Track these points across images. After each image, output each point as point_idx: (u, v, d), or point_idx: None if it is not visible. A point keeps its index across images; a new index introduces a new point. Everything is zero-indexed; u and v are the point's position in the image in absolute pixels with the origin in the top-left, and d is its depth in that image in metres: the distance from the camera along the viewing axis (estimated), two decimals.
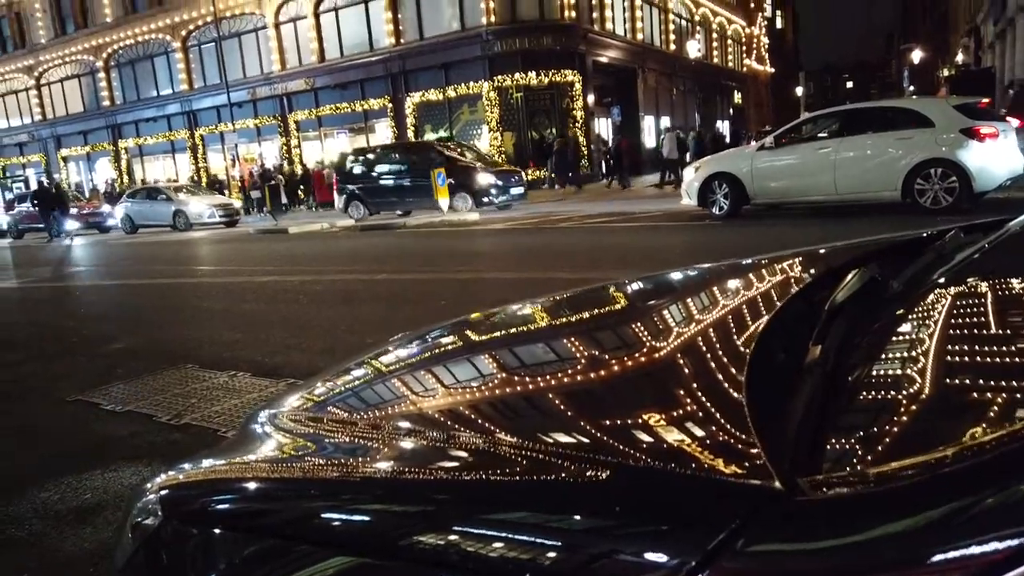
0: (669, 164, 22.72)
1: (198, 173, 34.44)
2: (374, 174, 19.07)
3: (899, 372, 0.77)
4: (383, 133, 29.89)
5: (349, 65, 29.46)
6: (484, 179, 17.59)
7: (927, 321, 0.89)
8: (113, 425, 3.66)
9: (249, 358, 4.79)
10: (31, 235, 25.81)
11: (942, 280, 1.01)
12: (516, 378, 1.08)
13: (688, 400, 0.81)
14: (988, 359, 0.76)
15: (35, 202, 24.21)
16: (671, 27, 37.07)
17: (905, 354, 0.81)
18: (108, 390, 4.27)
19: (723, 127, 42.78)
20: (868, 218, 10.01)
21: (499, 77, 26.53)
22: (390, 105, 28.95)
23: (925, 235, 1.40)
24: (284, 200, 26.82)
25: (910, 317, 0.92)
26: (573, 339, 1.25)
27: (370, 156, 19.92)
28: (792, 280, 1.30)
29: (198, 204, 22.48)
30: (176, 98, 35.09)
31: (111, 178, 37.82)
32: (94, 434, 3.58)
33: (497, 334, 1.46)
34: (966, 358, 0.78)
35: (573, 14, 26.93)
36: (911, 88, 56.37)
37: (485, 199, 17.42)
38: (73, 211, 24.43)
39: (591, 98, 27.80)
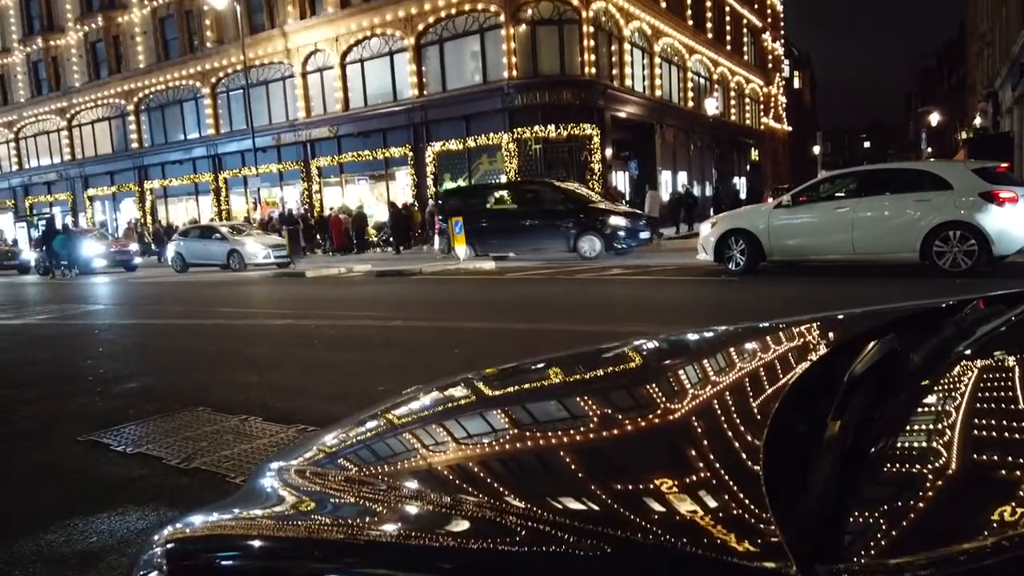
0: (651, 221, 23.19)
1: (220, 215, 34.96)
2: (484, 212, 17.98)
3: (921, 451, 0.76)
4: (403, 181, 30.32)
5: (372, 114, 30.07)
6: (617, 222, 16.61)
7: (949, 398, 0.87)
8: (123, 467, 3.65)
9: (261, 402, 4.79)
10: (59, 272, 25.95)
11: (965, 354, 1.00)
12: (525, 439, 1.07)
13: (701, 470, 0.80)
14: (1015, 438, 0.74)
15: (43, 241, 24.94)
16: (689, 85, 37.63)
17: (926, 432, 0.80)
18: (120, 431, 4.27)
19: (740, 183, 43.07)
20: (886, 279, 9.95)
21: (519, 129, 26.95)
22: (411, 154, 29.43)
23: (945, 305, 1.38)
24: (303, 244, 27.07)
25: (932, 393, 0.90)
26: (584, 400, 1.24)
27: (478, 193, 19.02)
28: (810, 346, 1.29)
29: (254, 244, 21.91)
30: (202, 142, 35.88)
31: (135, 218, 38.48)
32: (103, 476, 3.57)
33: (509, 390, 1.46)
34: (991, 436, 0.77)
35: (593, 70, 27.44)
36: (929, 150, 56.60)
37: (616, 244, 16.46)
38: (102, 249, 24.80)
39: (609, 151, 28.12)
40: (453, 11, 27.53)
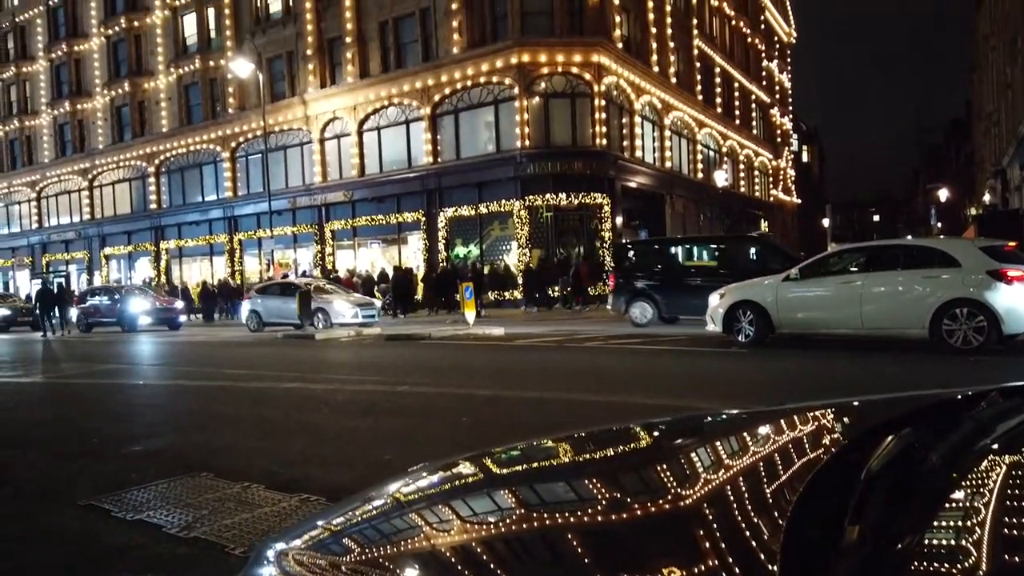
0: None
1: (234, 276, 35.29)
2: (674, 269, 16.18)
3: (943, 561, 0.73)
4: (415, 245, 30.63)
5: (387, 180, 30.60)
6: None
7: (971, 502, 0.85)
8: (121, 534, 3.59)
9: (265, 468, 4.72)
10: (100, 329, 25.29)
11: (985, 453, 0.98)
12: (532, 523, 1.05)
13: (717, 569, 0.78)
14: None
15: (36, 301, 24.92)
16: (699, 157, 38.25)
17: (948, 540, 0.77)
18: (121, 496, 4.21)
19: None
20: (897, 355, 9.87)
21: (530, 197, 27.32)
22: (423, 219, 29.81)
23: (962, 396, 1.36)
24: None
25: (953, 496, 0.88)
26: (594, 484, 1.22)
27: (669, 248, 17.34)
28: (826, 437, 1.27)
29: (342, 303, 20.65)
30: (219, 204, 36.51)
31: (149, 277, 38.90)
32: (101, 542, 3.50)
33: (517, 469, 1.44)
34: (1018, 546, 0.74)
35: (604, 142, 27.97)
36: (939, 225, 56.90)
37: None
38: (147, 306, 24.35)
39: (619, 220, 28.40)
40: (469, 83, 28.30)
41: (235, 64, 29.90)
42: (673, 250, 17.11)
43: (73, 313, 26.34)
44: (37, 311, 24.89)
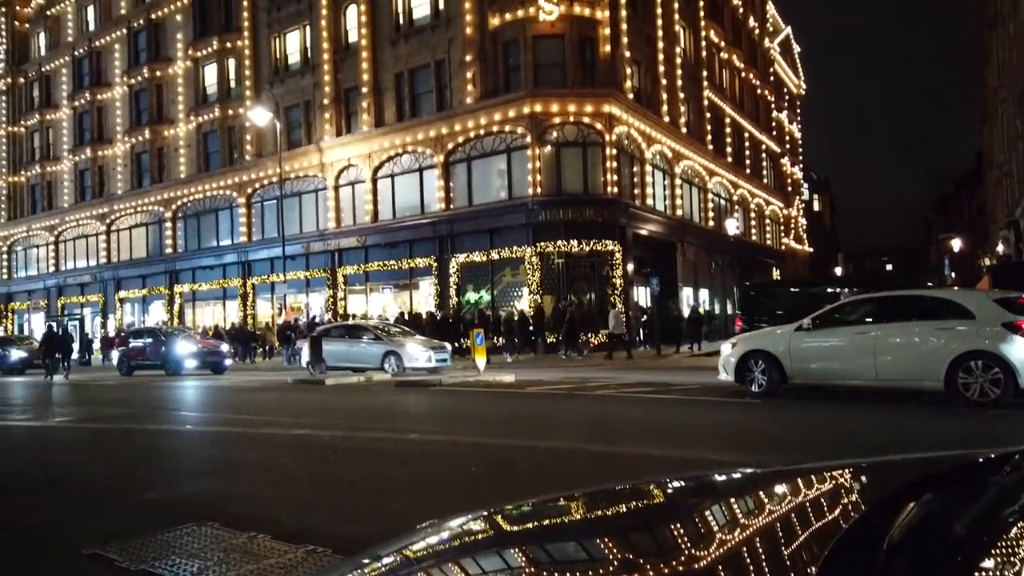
0: (615, 338, 24.12)
1: (246, 320, 35.44)
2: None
3: None
4: (426, 291, 30.73)
5: (400, 226, 30.87)
6: None
7: (1001, 574, 0.82)
8: None
9: (273, 517, 4.66)
10: (141, 372, 24.05)
11: (1013, 523, 0.95)
12: None
13: None
14: None
15: (41, 344, 24.85)
16: (710, 205, 38.43)
17: None
18: (126, 545, 4.16)
19: None
20: (912, 408, 9.73)
21: (542, 243, 27.45)
22: (435, 264, 29.96)
23: (983, 460, 1.33)
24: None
25: (982, 567, 0.85)
26: (606, 544, 1.19)
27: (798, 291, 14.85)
28: (845, 500, 1.24)
29: (415, 346, 19.63)
30: (234, 249, 36.88)
31: (162, 321, 39.10)
32: None
33: (528, 527, 1.41)
34: None
35: (615, 190, 28.18)
36: (953, 275, 56.66)
37: None
38: (192, 349, 23.43)
39: (630, 267, 28.44)
40: (482, 132, 28.72)
41: (253, 113, 30.53)
42: (811, 298, 14.51)
43: (114, 356, 25.66)
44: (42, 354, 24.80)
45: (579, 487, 1.61)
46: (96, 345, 38.69)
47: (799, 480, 1.40)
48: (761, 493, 1.39)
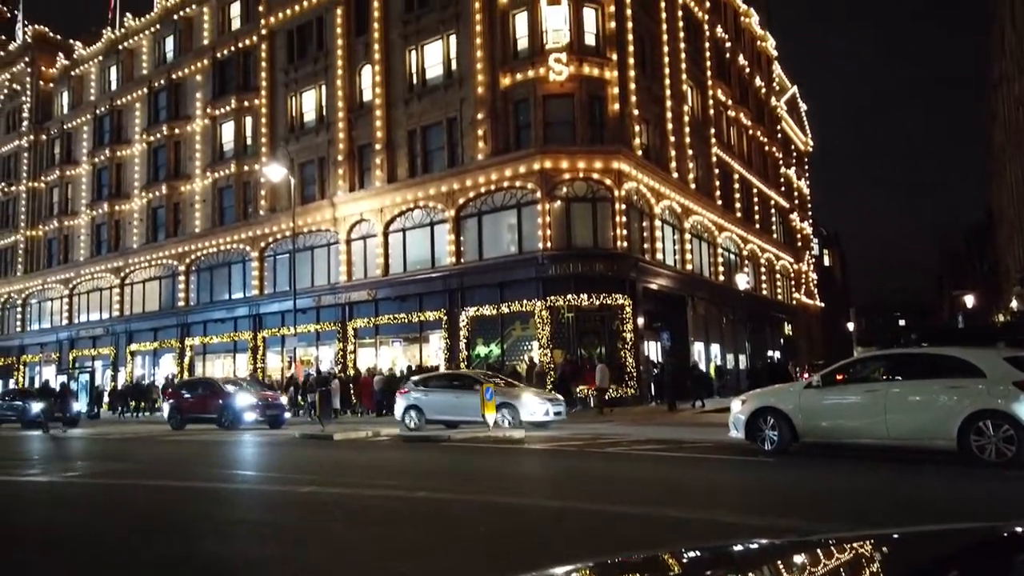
0: (601, 392, 24.45)
1: (256, 372, 35.42)
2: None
3: None
4: (436, 344, 30.70)
5: (410, 280, 31.05)
6: None
7: None
8: None
9: None
10: (193, 426, 22.98)
11: None
12: None
13: None
14: None
15: (39, 397, 24.66)
16: (720, 260, 38.51)
17: None
18: None
19: (776, 357, 42.77)
20: (926, 468, 9.58)
21: (552, 297, 27.49)
22: (445, 318, 30.00)
23: (1008, 534, 1.30)
24: (336, 405, 26.91)
25: None
26: None
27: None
28: (867, 570, 1.22)
29: (532, 398, 18.44)
30: (245, 302, 37.11)
31: (172, 373, 39.15)
32: None
33: None
34: None
35: (625, 244, 28.33)
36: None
37: None
38: (252, 401, 22.08)
39: (641, 321, 28.38)
40: (492, 187, 29.08)
41: (268, 169, 31.10)
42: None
43: (165, 408, 24.86)
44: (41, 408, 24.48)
45: (591, 551, 1.59)
46: (106, 399, 38.72)
47: (819, 551, 1.38)
48: (781, 566, 1.36)
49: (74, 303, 46.79)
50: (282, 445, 16.57)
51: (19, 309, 50.22)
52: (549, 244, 27.68)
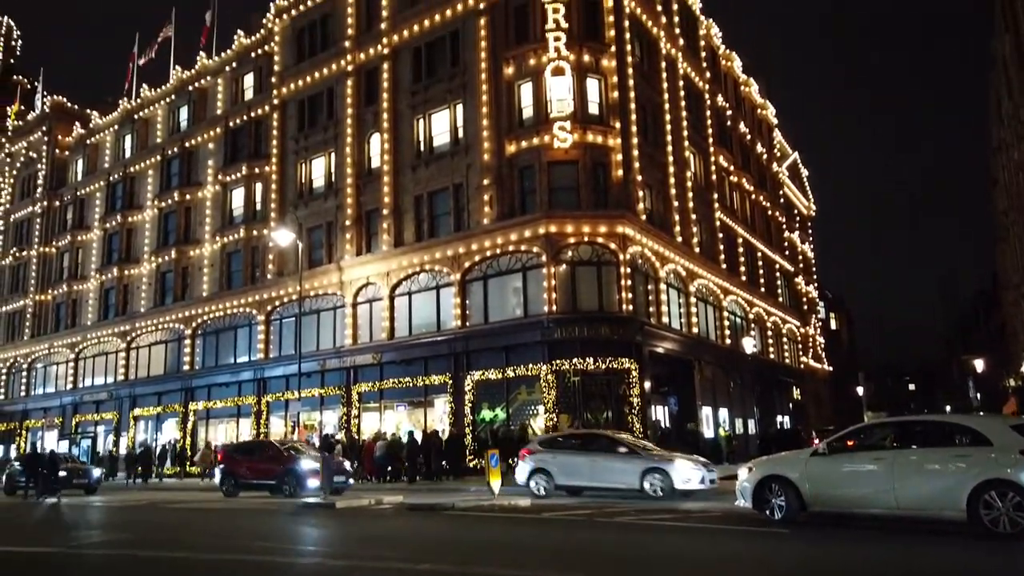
0: None
1: (258, 437, 35.07)
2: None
3: None
4: (441, 408, 30.43)
5: (416, 343, 31.01)
6: None
7: None
8: None
9: None
10: (250, 493, 21.64)
11: None
12: None
13: None
14: None
15: (27, 465, 24.17)
16: (726, 323, 38.42)
17: None
18: None
19: (785, 422, 42.26)
20: (937, 540, 9.37)
21: (557, 361, 27.35)
22: (450, 382, 29.82)
23: None
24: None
25: None
26: None
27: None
28: None
29: (685, 464, 16.77)
30: (250, 366, 37.03)
31: (174, 439, 38.80)
32: None
33: None
34: None
35: (630, 307, 28.34)
36: (977, 396, 55.68)
37: None
38: (315, 465, 19.93)
39: (648, 385, 28.15)
40: (498, 251, 29.32)
41: (277, 234, 31.38)
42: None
43: (216, 473, 23.76)
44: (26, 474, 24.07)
45: None
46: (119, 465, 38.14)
47: None
48: None
49: (79, 367, 46.75)
50: (285, 514, 16.25)
51: (24, 373, 50.19)
52: (554, 307, 27.72)
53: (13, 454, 43.16)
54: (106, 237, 46.72)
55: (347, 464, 22.46)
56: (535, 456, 18.32)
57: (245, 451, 23.65)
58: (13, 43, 67.49)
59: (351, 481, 21.90)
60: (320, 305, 34.85)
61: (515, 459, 25.45)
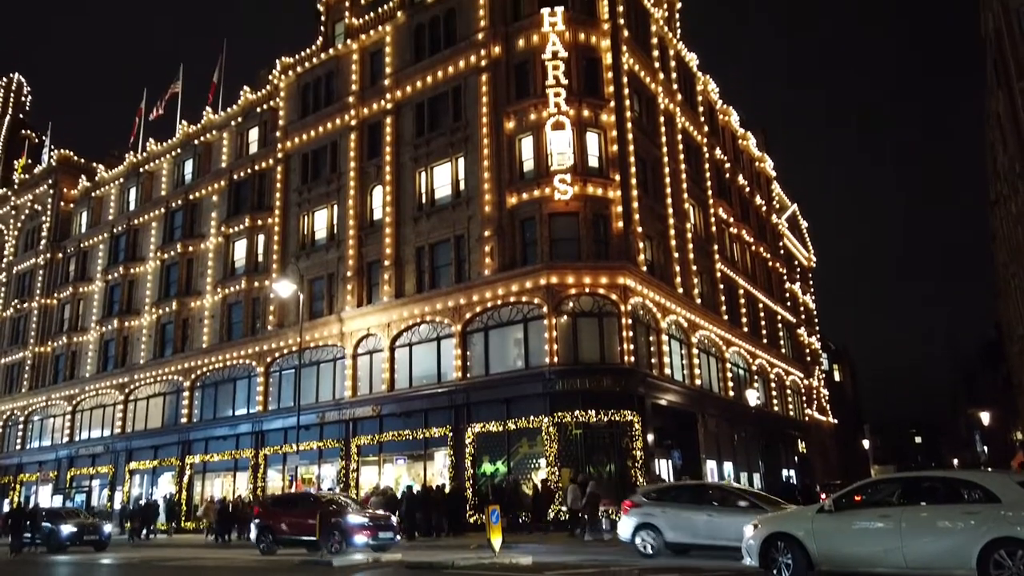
0: (572, 514, 23.47)
1: (255, 492, 34.48)
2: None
3: None
4: (441, 461, 29.95)
5: (416, 395, 30.71)
6: None
7: None
8: None
9: None
10: (289, 550, 20.34)
11: None
12: None
13: None
14: None
15: (9, 519, 24.02)
16: (729, 375, 38.10)
17: None
18: None
19: (791, 475, 41.52)
20: None
21: (559, 413, 27.01)
22: (451, 434, 29.41)
23: None
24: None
25: None
26: None
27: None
28: None
29: None
30: (248, 419, 36.63)
31: (170, 493, 38.13)
32: None
33: None
34: None
35: (632, 359, 28.14)
36: (984, 450, 54.93)
37: None
38: (362, 520, 19.23)
39: (651, 438, 27.75)
40: (499, 302, 29.26)
41: (278, 285, 31.49)
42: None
43: (252, 529, 22.62)
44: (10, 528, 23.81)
45: None
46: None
47: None
48: None
49: (76, 420, 46.28)
50: (277, 570, 15.82)
51: (20, 426, 49.67)
52: (556, 359, 27.52)
53: (6, 508, 42.31)
54: (107, 289, 46.77)
55: (393, 519, 20.96)
56: (640, 509, 16.53)
57: (285, 504, 22.00)
58: (23, 99, 68.70)
59: (398, 538, 20.49)
60: (320, 356, 34.64)
61: (512, 512, 25.12)
